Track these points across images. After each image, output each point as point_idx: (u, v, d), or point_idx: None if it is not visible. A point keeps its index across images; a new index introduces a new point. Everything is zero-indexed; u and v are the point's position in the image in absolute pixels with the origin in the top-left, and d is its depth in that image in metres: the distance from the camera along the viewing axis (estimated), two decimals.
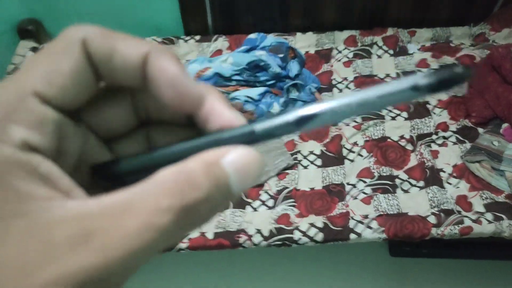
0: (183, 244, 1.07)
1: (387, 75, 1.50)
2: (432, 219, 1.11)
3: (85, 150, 0.16)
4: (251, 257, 1.56)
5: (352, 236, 1.09)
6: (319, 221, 1.12)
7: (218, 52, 1.55)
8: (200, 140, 0.16)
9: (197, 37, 1.58)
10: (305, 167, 1.28)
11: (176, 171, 0.13)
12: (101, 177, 0.17)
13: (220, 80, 1.37)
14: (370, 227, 1.10)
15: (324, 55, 1.56)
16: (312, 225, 1.11)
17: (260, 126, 0.15)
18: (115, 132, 0.18)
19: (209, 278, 1.52)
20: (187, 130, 0.17)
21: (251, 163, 0.14)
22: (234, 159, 0.14)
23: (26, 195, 0.12)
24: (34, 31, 1.55)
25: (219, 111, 0.16)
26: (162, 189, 0.13)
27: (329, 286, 1.51)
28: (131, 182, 0.14)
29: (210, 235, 1.09)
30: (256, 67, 1.40)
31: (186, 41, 1.57)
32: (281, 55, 1.44)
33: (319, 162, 1.29)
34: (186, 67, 1.43)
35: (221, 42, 1.57)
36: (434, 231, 1.08)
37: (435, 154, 1.28)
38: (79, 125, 0.16)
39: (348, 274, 1.54)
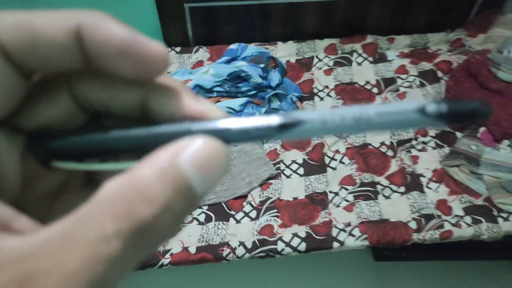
0: (165, 260, 1.06)
1: (367, 82, 1.52)
2: (413, 225, 1.12)
3: (27, 164, 0.14)
4: (234, 269, 1.55)
5: (335, 244, 1.09)
6: (302, 230, 1.12)
7: (199, 63, 1.56)
8: (164, 128, 0.13)
9: (178, 49, 1.58)
10: (288, 177, 1.28)
11: (124, 182, 0.11)
12: (40, 153, 0.14)
13: (201, 92, 1.37)
14: (352, 235, 1.11)
15: (305, 64, 1.57)
16: (295, 235, 1.11)
17: (238, 124, 0.13)
18: None
19: None
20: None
21: (214, 155, 0.12)
22: (192, 155, 0.11)
23: None
24: None
25: (188, 103, 0.13)
26: (107, 209, 0.10)
27: None
28: (75, 160, 0.12)
29: (192, 250, 1.09)
30: (237, 77, 1.41)
31: None
32: (262, 65, 1.45)
33: (301, 171, 1.30)
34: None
35: (202, 53, 1.57)
36: (415, 236, 1.10)
37: (415, 159, 1.30)
38: (13, 134, 0.13)
39: (332, 280, 1.55)
